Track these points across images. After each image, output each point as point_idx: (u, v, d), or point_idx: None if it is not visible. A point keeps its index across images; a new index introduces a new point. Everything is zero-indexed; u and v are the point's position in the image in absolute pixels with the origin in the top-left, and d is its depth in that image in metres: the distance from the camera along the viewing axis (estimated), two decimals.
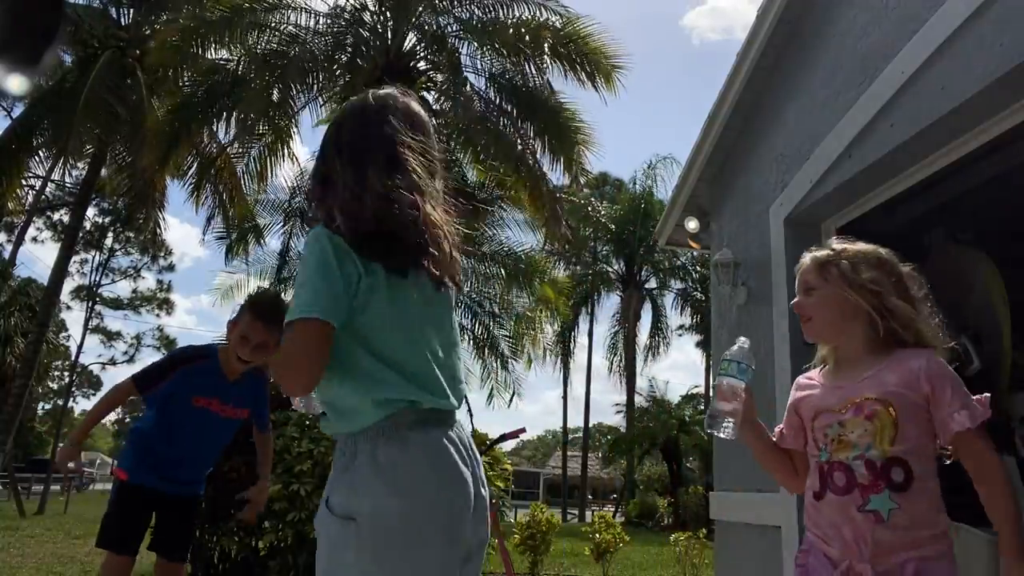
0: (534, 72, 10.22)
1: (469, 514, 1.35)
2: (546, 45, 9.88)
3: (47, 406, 37.27)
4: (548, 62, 10.06)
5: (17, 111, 14.85)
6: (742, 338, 1.77)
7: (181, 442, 3.04)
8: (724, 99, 4.08)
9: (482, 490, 1.41)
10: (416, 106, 1.58)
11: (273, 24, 10.05)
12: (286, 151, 10.71)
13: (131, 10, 14.65)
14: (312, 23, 10.20)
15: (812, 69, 3.45)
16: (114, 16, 14.61)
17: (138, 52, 13.64)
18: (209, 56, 10.51)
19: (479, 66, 10.47)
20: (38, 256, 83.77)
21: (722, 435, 1.74)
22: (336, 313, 1.30)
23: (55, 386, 33.53)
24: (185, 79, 11.12)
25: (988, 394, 1.57)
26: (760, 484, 3.52)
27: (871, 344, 1.65)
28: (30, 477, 22.43)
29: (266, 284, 12.77)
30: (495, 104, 10.37)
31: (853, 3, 3.13)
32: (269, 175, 10.91)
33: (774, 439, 1.84)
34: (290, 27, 10.12)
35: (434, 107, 11.08)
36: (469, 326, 13.58)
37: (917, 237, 3.81)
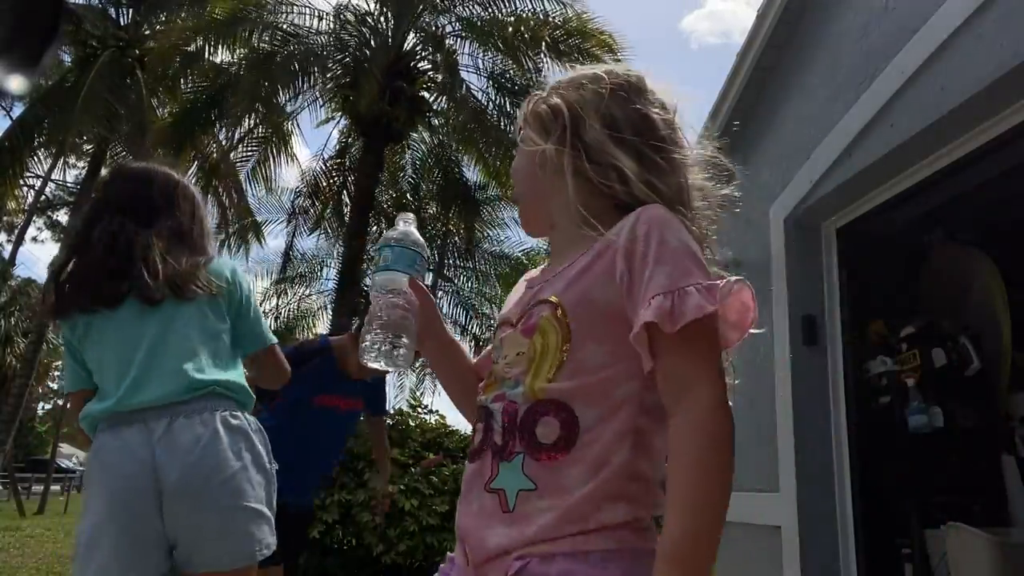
0: (533, 68, 10.22)
1: (146, 500, 1.58)
2: (546, 41, 9.85)
3: (47, 406, 37.28)
4: (548, 58, 10.05)
5: (17, 111, 14.84)
6: (407, 215, 1.11)
7: (304, 447, 2.71)
8: (724, 99, 4.08)
9: (192, 479, 1.61)
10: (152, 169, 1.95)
11: (273, 23, 10.04)
12: (285, 150, 10.71)
13: (131, 10, 14.65)
14: (312, 23, 10.21)
15: (812, 69, 3.45)
16: (114, 16, 14.61)
17: (138, 52, 13.65)
18: (208, 57, 10.51)
19: (480, 65, 10.47)
20: (38, 256, 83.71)
21: (388, 364, 1.02)
22: (74, 382, 1.75)
23: (55, 386, 33.51)
24: (186, 81, 11.11)
25: (736, 278, 0.86)
26: (760, 484, 3.52)
27: (592, 216, 0.96)
28: (30, 477, 22.42)
29: (268, 284, 12.76)
30: (496, 103, 10.37)
31: (853, 3, 3.13)
32: (272, 175, 10.92)
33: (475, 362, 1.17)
34: (288, 27, 10.11)
35: (434, 107, 11.09)
36: (466, 325, 13.59)
37: (917, 237, 3.81)
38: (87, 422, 1.68)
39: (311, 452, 2.74)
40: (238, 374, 1.78)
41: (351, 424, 3.02)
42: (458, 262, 13.33)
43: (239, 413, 1.72)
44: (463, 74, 10.11)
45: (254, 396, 1.80)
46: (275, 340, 2.03)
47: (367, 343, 1.01)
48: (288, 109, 10.42)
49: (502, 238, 13.09)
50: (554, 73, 10.16)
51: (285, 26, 10.09)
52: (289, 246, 12.32)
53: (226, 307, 1.81)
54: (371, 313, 1.03)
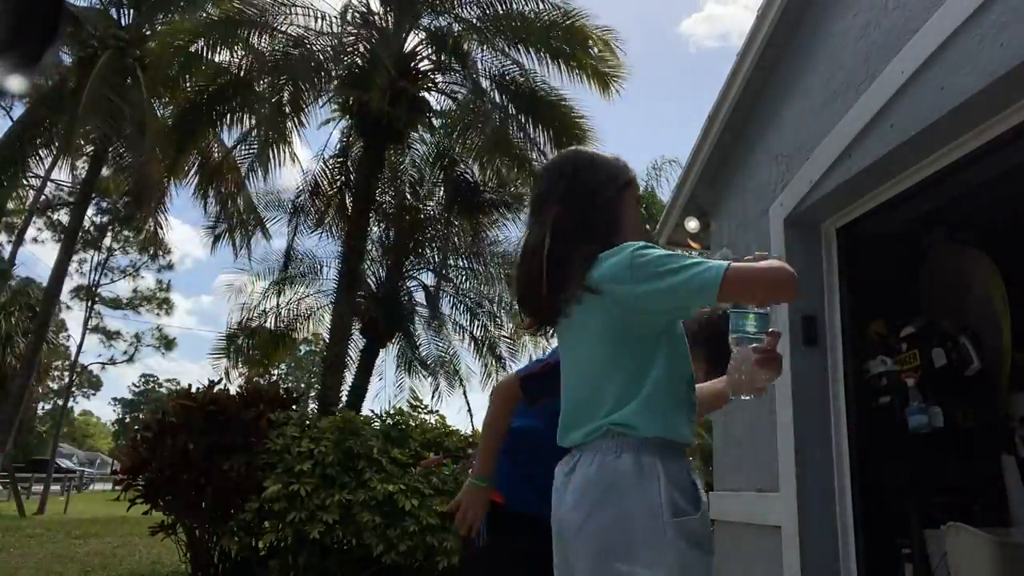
0: (535, 68, 10.22)
1: (555, 535, 1.51)
2: (548, 39, 9.84)
3: (47, 406, 37.28)
4: (549, 59, 10.04)
5: (16, 111, 14.85)
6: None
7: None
8: (724, 99, 4.08)
9: (562, 525, 1.48)
10: None
11: (277, 25, 10.03)
12: (288, 150, 10.70)
13: (131, 10, 14.65)
14: (316, 25, 10.19)
15: (812, 69, 3.45)
16: (114, 16, 14.61)
17: (138, 52, 13.64)
18: (210, 57, 10.50)
19: (479, 67, 10.47)
20: (38, 256, 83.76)
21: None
22: None
23: (55, 386, 33.52)
24: (187, 82, 11.09)
25: None
26: (760, 484, 3.52)
27: None
28: (30, 477, 22.42)
29: (265, 284, 12.73)
30: (498, 104, 10.37)
31: (853, 3, 3.13)
32: (274, 174, 10.92)
33: None
34: (296, 29, 10.10)
35: (435, 107, 11.10)
36: (467, 326, 13.58)
37: (917, 237, 3.81)
38: None
39: None
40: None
41: None
42: (460, 262, 13.32)
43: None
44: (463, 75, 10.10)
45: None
46: None
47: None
48: (303, 112, 10.40)
49: (501, 239, 13.08)
50: (552, 70, 10.16)
51: (288, 28, 10.08)
52: (290, 245, 12.28)
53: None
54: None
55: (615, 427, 1.40)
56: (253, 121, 10.25)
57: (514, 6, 10.02)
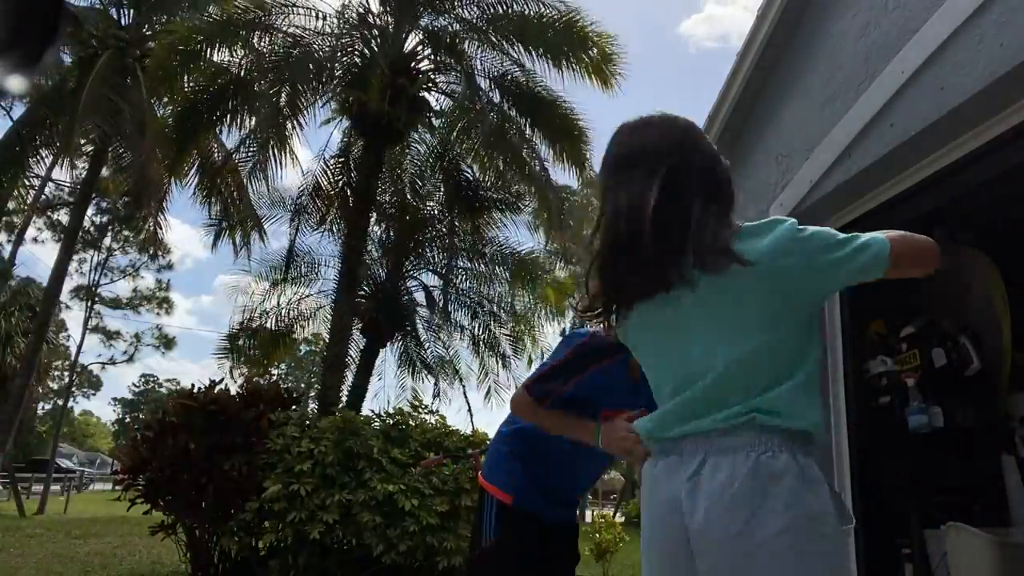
0: (534, 67, 10.23)
1: (671, 545, 1.31)
2: (547, 38, 9.84)
3: (47, 406, 37.28)
4: (548, 57, 10.05)
5: (16, 111, 14.87)
6: None
7: (572, 458, 2.18)
8: (724, 99, 4.08)
9: (702, 537, 1.25)
10: None
11: (277, 26, 10.03)
12: (287, 151, 10.70)
13: (131, 10, 14.66)
14: (316, 25, 10.19)
15: (812, 69, 3.45)
16: (114, 16, 14.62)
17: (138, 53, 13.65)
18: (210, 57, 10.50)
19: (479, 66, 10.47)
20: (38, 256, 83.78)
21: None
22: None
23: (55, 386, 33.51)
24: (187, 82, 11.10)
25: None
26: None
27: None
28: (30, 477, 22.42)
29: (267, 284, 12.72)
30: (496, 103, 10.37)
31: (853, 3, 3.13)
32: (275, 174, 10.90)
33: None
34: (294, 29, 10.10)
35: (435, 107, 11.10)
36: (468, 326, 13.58)
37: None
38: None
39: (579, 466, 2.20)
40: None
41: None
42: (460, 262, 13.31)
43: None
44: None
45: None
46: None
47: None
48: (302, 113, 10.40)
49: (501, 239, 13.08)
50: (550, 70, 10.16)
51: (288, 28, 10.08)
52: (292, 245, 12.26)
53: None
54: None
55: (761, 414, 1.24)
56: (253, 121, 10.25)
57: (514, 6, 10.02)
